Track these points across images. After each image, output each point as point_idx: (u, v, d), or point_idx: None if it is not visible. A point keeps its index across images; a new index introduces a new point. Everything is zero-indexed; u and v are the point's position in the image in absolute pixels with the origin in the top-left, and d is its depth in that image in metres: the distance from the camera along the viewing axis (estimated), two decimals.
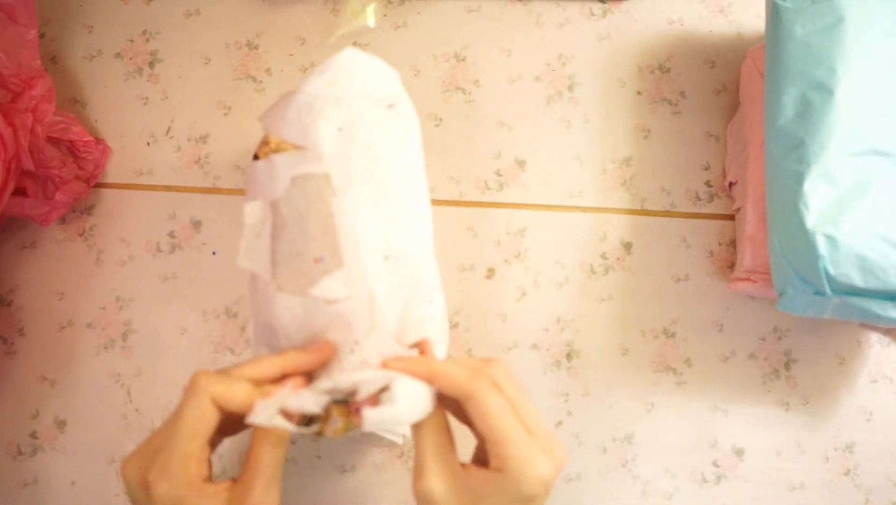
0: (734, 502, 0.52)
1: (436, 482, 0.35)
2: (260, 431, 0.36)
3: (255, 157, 0.41)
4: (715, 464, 0.52)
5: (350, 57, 0.42)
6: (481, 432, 0.35)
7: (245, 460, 0.36)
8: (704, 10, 0.59)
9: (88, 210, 0.57)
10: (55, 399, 0.55)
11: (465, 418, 0.36)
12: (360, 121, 0.40)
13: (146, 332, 0.55)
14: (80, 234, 0.57)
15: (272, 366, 0.37)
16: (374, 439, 0.48)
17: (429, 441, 0.36)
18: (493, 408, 0.34)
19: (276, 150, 0.40)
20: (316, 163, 0.39)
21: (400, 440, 0.48)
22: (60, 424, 0.54)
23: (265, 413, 0.34)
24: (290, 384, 0.37)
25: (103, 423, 0.54)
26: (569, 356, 0.54)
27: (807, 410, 0.53)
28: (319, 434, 0.38)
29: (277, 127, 0.40)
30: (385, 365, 0.37)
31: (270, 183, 0.39)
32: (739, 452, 0.52)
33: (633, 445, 0.53)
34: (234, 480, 0.36)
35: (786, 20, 0.44)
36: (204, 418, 0.35)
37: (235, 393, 0.35)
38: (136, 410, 0.54)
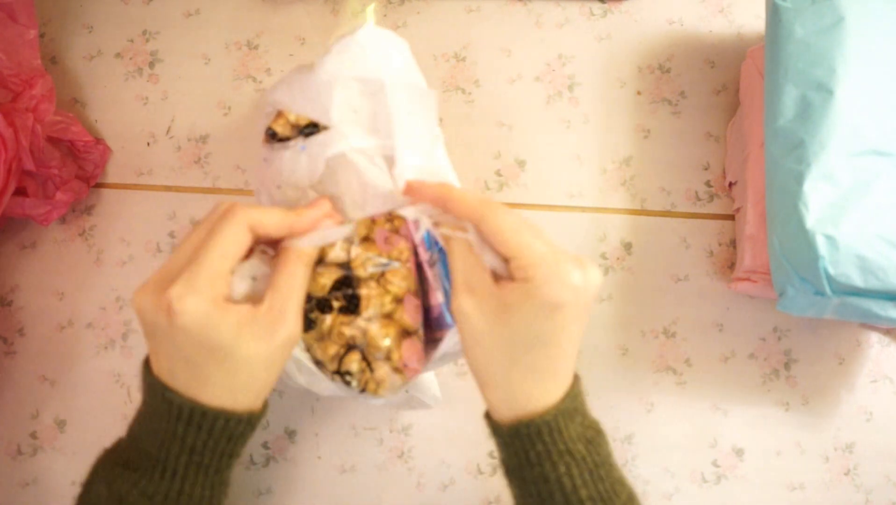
0: (734, 502, 0.52)
1: (466, 300, 0.35)
2: (292, 253, 0.36)
3: (270, 129, 0.41)
4: (715, 464, 0.52)
5: (369, 35, 0.42)
6: (501, 251, 0.35)
7: (273, 284, 0.36)
8: (704, 10, 0.59)
9: (88, 210, 0.57)
10: (55, 399, 0.55)
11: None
12: (381, 100, 0.40)
13: None
14: (80, 234, 0.57)
15: (285, 218, 0.37)
16: (413, 402, 0.48)
17: (458, 265, 0.36)
18: (507, 223, 0.35)
19: (296, 124, 0.40)
20: (343, 141, 0.39)
21: (432, 402, 0.48)
22: (60, 424, 0.54)
23: (315, 238, 0.36)
24: (325, 214, 0.38)
25: (103, 423, 0.54)
26: None
27: (807, 410, 0.53)
28: (364, 391, 0.39)
29: (295, 103, 0.40)
30: (408, 187, 0.38)
31: (306, 163, 0.40)
32: (739, 452, 0.52)
33: (633, 445, 0.53)
34: (258, 305, 0.35)
35: (786, 20, 0.44)
36: (238, 242, 0.35)
37: (271, 218, 0.36)
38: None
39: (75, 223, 0.57)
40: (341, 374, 0.40)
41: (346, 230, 0.39)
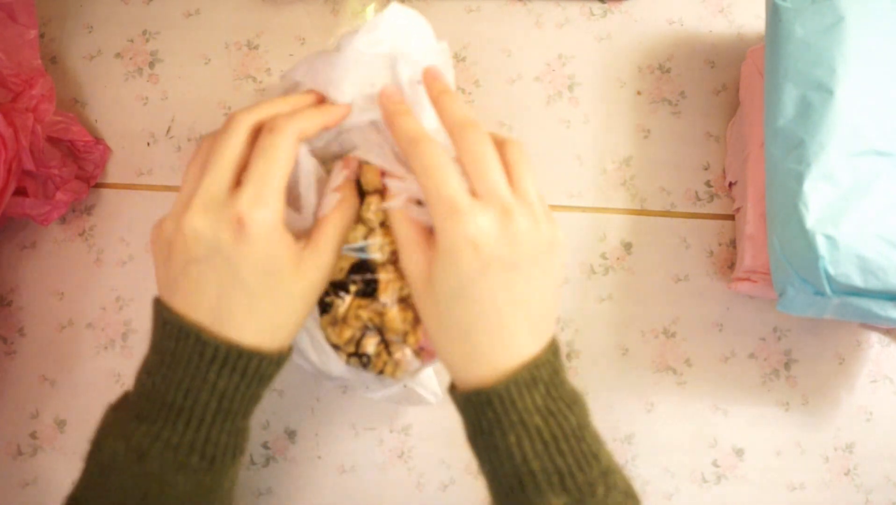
0: (734, 502, 0.52)
1: (406, 263, 0.36)
2: (339, 203, 0.37)
3: None
4: (715, 464, 0.52)
5: (397, 14, 0.41)
6: (422, 192, 0.34)
7: (317, 226, 0.36)
8: (704, 10, 0.59)
9: (88, 210, 0.57)
10: (55, 399, 0.55)
11: None
12: (407, 80, 0.39)
13: (146, 332, 0.55)
14: (80, 234, 0.57)
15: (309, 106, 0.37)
16: (412, 397, 0.48)
17: (396, 226, 0.36)
18: (424, 161, 0.33)
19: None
20: (357, 115, 0.39)
21: (433, 399, 0.48)
22: (60, 424, 0.54)
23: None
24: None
25: None
26: (569, 356, 0.54)
27: (807, 410, 0.53)
28: (381, 373, 0.40)
29: (312, 80, 0.40)
30: (425, 74, 0.37)
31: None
32: (739, 452, 0.52)
33: (633, 445, 0.53)
34: (301, 239, 0.36)
35: (786, 20, 0.44)
36: (292, 154, 0.35)
37: (314, 123, 0.36)
38: None
39: (75, 223, 0.57)
40: (359, 356, 0.40)
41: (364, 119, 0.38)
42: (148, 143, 0.58)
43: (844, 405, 0.53)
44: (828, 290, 0.40)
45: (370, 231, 0.40)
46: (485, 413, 0.34)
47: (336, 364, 0.40)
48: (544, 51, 0.59)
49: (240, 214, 0.33)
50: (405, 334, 0.40)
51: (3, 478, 0.54)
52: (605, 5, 0.59)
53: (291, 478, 0.52)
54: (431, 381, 0.49)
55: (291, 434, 0.53)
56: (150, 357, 0.36)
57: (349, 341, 0.40)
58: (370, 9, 0.59)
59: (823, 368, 0.53)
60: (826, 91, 0.42)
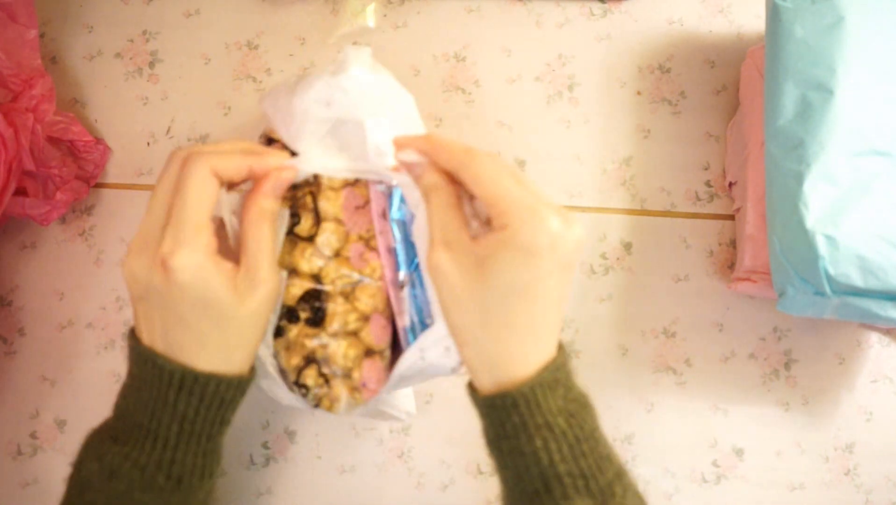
0: (734, 502, 0.52)
1: (442, 255, 0.34)
2: (254, 212, 0.36)
3: (266, 135, 0.41)
4: (715, 464, 0.52)
5: (361, 65, 0.40)
6: (481, 197, 0.34)
7: (243, 245, 0.36)
8: (704, 10, 0.59)
9: (88, 210, 0.57)
10: (55, 399, 0.55)
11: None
12: (374, 149, 0.39)
13: None
14: (80, 234, 0.57)
15: (241, 159, 0.37)
16: (383, 415, 0.48)
17: (435, 219, 0.35)
18: (488, 169, 0.34)
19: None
20: (310, 165, 0.39)
21: (404, 416, 0.47)
22: (60, 424, 0.54)
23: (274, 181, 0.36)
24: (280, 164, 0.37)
25: None
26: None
27: (807, 410, 0.53)
28: (317, 406, 0.39)
29: (275, 121, 0.40)
30: (396, 143, 0.37)
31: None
32: (739, 452, 0.52)
33: (633, 444, 0.53)
34: (236, 266, 0.36)
35: (786, 20, 0.44)
36: (208, 188, 0.34)
37: (231, 162, 0.35)
38: None
39: (75, 223, 0.57)
40: (299, 385, 0.39)
41: (305, 170, 0.38)
42: (148, 143, 0.58)
43: (844, 405, 0.53)
44: (828, 290, 0.40)
45: (325, 259, 0.39)
46: (510, 417, 0.34)
47: (281, 392, 0.40)
48: (544, 51, 0.59)
49: (163, 259, 0.33)
50: (348, 370, 0.39)
51: (3, 478, 0.54)
52: (605, 5, 0.59)
53: (291, 478, 0.52)
54: (407, 399, 0.48)
55: (291, 434, 0.53)
56: (126, 382, 0.38)
57: (294, 369, 0.39)
58: (370, 9, 0.59)
59: (823, 368, 0.53)
60: (826, 91, 0.42)
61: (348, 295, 0.40)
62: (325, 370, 0.39)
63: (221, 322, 0.35)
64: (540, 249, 0.33)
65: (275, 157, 0.37)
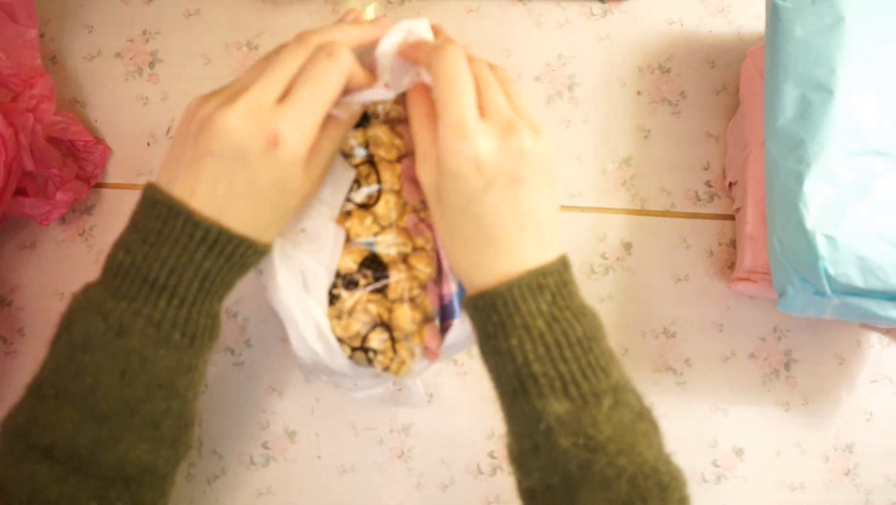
0: (734, 502, 0.52)
1: (420, 171, 0.37)
2: (333, 122, 0.37)
3: None
4: (715, 464, 0.52)
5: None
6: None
7: (316, 144, 0.37)
8: (704, 10, 0.59)
9: (88, 210, 0.57)
10: None
11: None
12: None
13: None
14: (80, 234, 0.57)
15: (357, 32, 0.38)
16: (399, 397, 0.48)
17: (415, 133, 0.37)
18: (442, 73, 0.34)
19: None
20: None
21: (419, 402, 0.48)
22: None
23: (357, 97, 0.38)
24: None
25: None
26: None
27: (807, 410, 0.53)
28: (386, 370, 0.40)
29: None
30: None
31: None
32: (739, 452, 0.52)
33: None
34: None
35: (786, 20, 0.44)
36: (341, 84, 0.35)
37: (360, 75, 0.37)
38: None
39: (75, 223, 0.57)
40: (365, 350, 0.40)
41: (386, 94, 0.39)
42: (148, 143, 0.58)
43: (844, 405, 0.53)
44: (828, 290, 0.40)
45: (382, 228, 0.40)
46: (490, 317, 0.35)
47: (339, 358, 0.40)
48: (544, 51, 0.59)
49: (277, 133, 0.34)
50: (412, 334, 0.40)
51: None
52: (605, 5, 0.59)
53: (291, 478, 0.52)
54: (419, 386, 0.49)
55: (291, 434, 0.53)
56: (130, 236, 0.36)
57: (355, 336, 0.40)
58: (370, 9, 0.59)
59: (823, 368, 0.53)
60: (826, 91, 0.42)
61: (407, 262, 0.41)
62: (393, 334, 0.40)
63: (283, 203, 0.36)
64: (462, 171, 0.34)
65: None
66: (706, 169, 0.56)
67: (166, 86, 0.59)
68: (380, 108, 0.41)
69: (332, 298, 0.40)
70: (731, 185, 0.55)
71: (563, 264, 0.36)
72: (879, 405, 0.53)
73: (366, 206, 0.40)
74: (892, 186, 0.40)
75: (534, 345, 0.34)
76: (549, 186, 0.36)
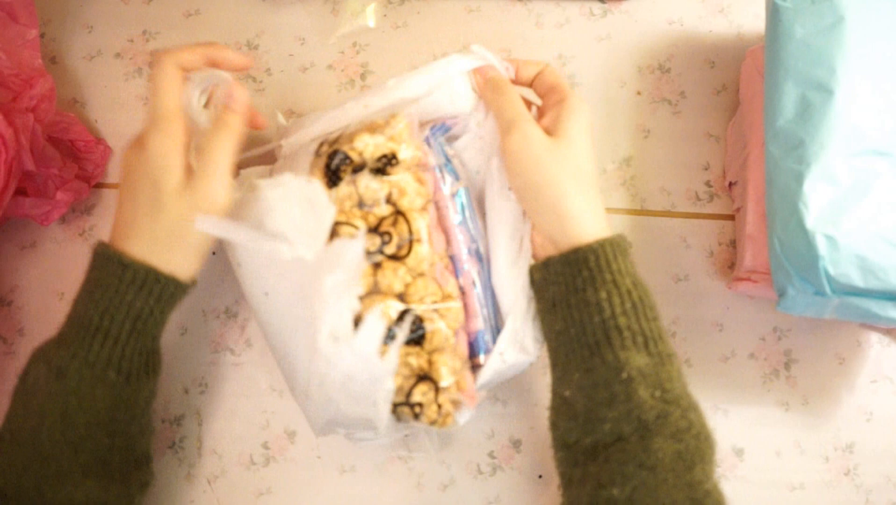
0: (734, 502, 0.51)
1: (508, 140, 0.41)
2: (224, 127, 0.41)
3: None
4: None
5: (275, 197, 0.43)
6: (544, 83, 0.45)
7: (203, 152, 0.40)
8: (704, 10, 0.59)
9: (88, 210, 0.57)
10: None
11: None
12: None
13: None
14: (80, 234, 0.57)
15: (200, 49, 0.43)
16: (412, 445, 0.50)
17: (497, 106, 0.43)
18: (553, 71, 0.45)
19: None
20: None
21: (434, 449, 0.49)
22: None
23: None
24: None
25: None
26: None
27: (807, 410, 0.53)
28: (434, 423, 0.41)
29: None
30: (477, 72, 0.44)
31: None
32: (739, 452, 0.52)
33: None
34: (191, 173, 0.40)
35: (786, 20, 0.44)
36: (173, 80, 0.40)
37: (192, 54, 0.41)
38: None
39: (75, 223, 0.57)
40: (410, 405, 0.40)
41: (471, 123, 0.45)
42: None
43: (844, 405, 0.53)
44: (828, 290, 0.40)
45: (413, 279, 0.41)
46: (580, 271, 0.38)
47: (384, 414, 0.40)
48: (544, 51, 0.59)
49: (140, 139, 0.39)
50: (454, 383, 0.40)
51: None
52: (605, 5, 0.59)
53: (291, 478, 0.52)
54: (435, 433, 0.49)
55: (291, 434, 0.53)
56: (80, 291, 0.40)
57: (397, 390, 0.40)
58: (370, 9, 0.59)
59: (823, 368, 0.53)
60: (826, 91, 0.41)
61: (440, 312, 0.41)
62: (436, 385, 0.40)
63: (166, 209, 0.39)
64: (582, 134, 0.40)
65: (231, 51, 0.43)
66: (706, 169, 0.56)
67: None
68: (402, 155, 0.41)
69: None
70: (731, 185, 0.55)
71: (627, 241, 0.41)
72: (879, 405, 0.53)
73: (397, 258, 0.41)
74: (892, 186, 0.40)
75: (622, 300, 0.37)
76: None
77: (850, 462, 0.52)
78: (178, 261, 0.40)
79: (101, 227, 0.57)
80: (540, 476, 0.52)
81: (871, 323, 0.43)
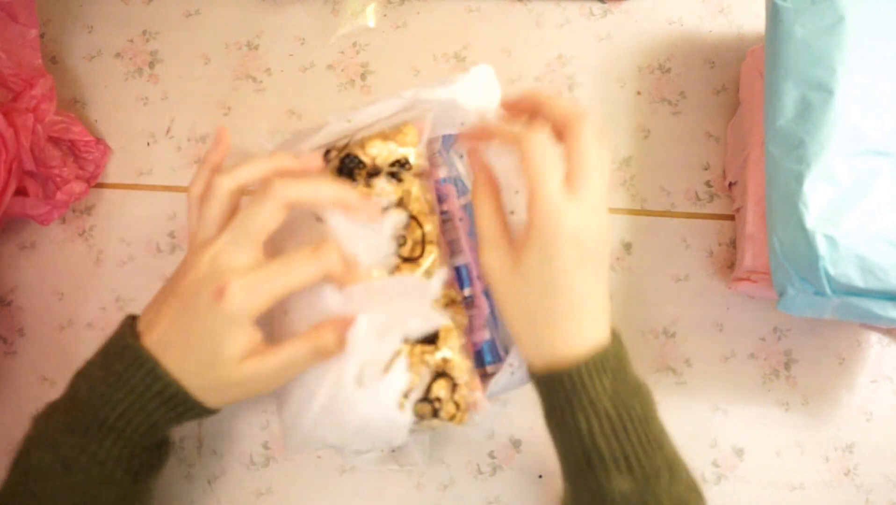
0: (734, 502, 0.52)
1: (486, 255, 0.37)
2: (304, 339, 0.38)
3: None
4: (715, 464, 0.52)
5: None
6: (525, 182, 0.36)
7: (284, 344, 0.38)
8: (704, 10, 0.59)
9: (88, 210, 0.57)
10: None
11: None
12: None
13: None
14: (80, 234, 0.57)
15: (267, 167, 0.40)
16: (401, 458, 0.49)
17: (481, 220, 0.38)
18: (534, 151, 0.34)
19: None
20: None
21: (421, 463, 0.49)
22: None
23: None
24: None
25: None
26: None
27: (807, 410, 0.53)
28: (452, 419, 0.41)
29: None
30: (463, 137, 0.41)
31: None
32: (739, 452, 0.52)
33: None
34: (266, 350, 0.38)
35: (786, 20, 0.44)
36: (271, 222, 0.37)
37: (314, 189, 0.38)
38: None
39: (75, 223, 0.57)
40: (430, 401, 0.40)
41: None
42: (148, 143, 0.58)
43: (844, 405, 0.53)
44: (828, 290, 0.40)
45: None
46: (557, 393, 0.36)
47: (394, 417, 0.40)
48: (544, 51, 0.59)
49: (225, 286, 0.35)
50: (467, 382, 0.41)
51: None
52: (605, 5, 0.59)
53: (291, 478, 0.52)
54: (424, 448, 0.50)
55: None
56: (94, 370, 0.38)
57: (416, 388, 0.40)
58: (370, 9, 0.59)
59: (823, 368, 0.53)
60: (826, 91, 0.41)
61: (449, 311, 0.42)
62: (454, 381, 0.40)
63: (219, 363, 0.36)
64: (561, 244, 0.34)
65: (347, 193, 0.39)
66: (706, 169, 0.56)
67: (166, 86, 0.59)
68: (413, 161, 0.42)
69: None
70: (731, 185, 0.55)
71: (618, 341, 0.38)
72: (879, 405, 0.53)
73: (412, 260, 0.41)
74: (892, 186, 0.40)
75: (599, 422, 0.35)
76: (607, 261, 0.39)
77: (850, 462, 0.52)
78: (212, 399, 0.38)
79: (101, 227, 0.57)
80: (540, 476, 0.52)
81: (871, 323, 0.43)
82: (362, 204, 0.39)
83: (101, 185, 0.57)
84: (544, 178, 0.34)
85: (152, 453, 0.39)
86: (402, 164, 0.42)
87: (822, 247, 0.39)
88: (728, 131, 0.56)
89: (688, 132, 0.57)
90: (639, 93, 0.58)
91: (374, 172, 0.42)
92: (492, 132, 0.38)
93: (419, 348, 0.40)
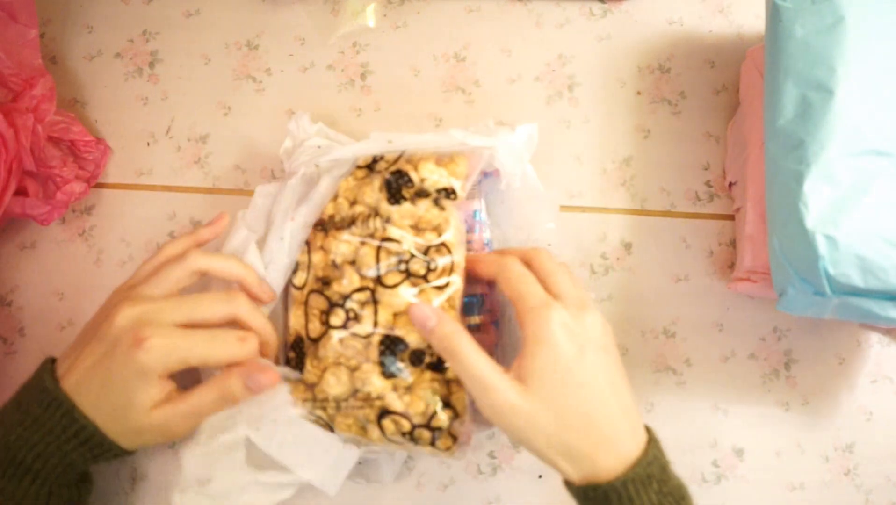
0: (734, 502, 0.52)
1: (486, 402, 0.37)
2: (219, 386, 0.39)
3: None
4: (715, 464, 0.52)
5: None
6: (509, 299, 0.39)
7: (193, 392, 0.39)
8: (704, 10, 0.59)
9: (88, 210, 0.57)
10: None
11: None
12: None
13: None
14: (80, 234, 0.57)
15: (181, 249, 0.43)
16: (369, 473, 0.50)
17: (466, 374, 0.37)
18: (512, 274, 0.39)
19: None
20: None
21: (388, 479, 0.50)
22: None
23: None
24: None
25: None
26: None
27: (807, 410, 0.53)
28: (448, 450, 0.41)
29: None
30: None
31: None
32: (739, 452, 0.52)
33: None
34: (178, 397, 0.39)
35: (786, 20, 0.44)
36: (186, 280, 0.42)
37: (224, 266, 0.42)
38: None
39: (75, 223, 0.57)
40: (431, 428, 0.40)
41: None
42: (148, 143, 0.58)
43: (844, 405, 0.53)
44: (828, 290, 0.40)
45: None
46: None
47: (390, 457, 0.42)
48: (544, 51, 0.59)
49: (144, 337, 0.37)
50: (461, 413, 0.41)
51: None
52: (605, 5, 0.59)
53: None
54: (397, 463, 0.50)
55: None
56: (11, 412, 0.39)
57: (420, 414, 0.40)
58: (370, 9, 0.59)
59: (823, 368, 0.53)
60: (826, 91, 0.41)
61: None
62: (456, 413, 0.41)
63: (130, 409, 0.38)
64: (555, 335, 0.36)
65: (257, 283, 0.43)
66: (706, 169, 0.56)
67: (166, 86, 0.59)
68: (458, 192, 0.43)
69: (397, 371, 0.40)
70: (731, 185, 0.55)
71: (657, 445, 0.38)
72: (879, 405, 0.53)
73: (439, 288, 0.41)
74: (892, 186, 0.40)
75: None
76: (620, 366, 0.39)
77: (850, 462, 0.52)
78: (127, 442, 0.39)
79: (101, 227, 0.57)
80: (540, 476, 0.52)
81: (871, 323, 0.43)
82: (261, 286, 0.42)
83: (101, 186, 0.57)
84: (528, 291, 0.37)
85: (72, 491, 0.40)
86: (448, 192, 0.43)
87: (822, 247, 0.39)
88: (728, 131, 0.56)
89: (688, 132, 0.57)
90: (639, 93, 0.58)
91: (422, 193, 0.42)
92: (477, 265, 0.41)
93: (429, 375, 0.41)
